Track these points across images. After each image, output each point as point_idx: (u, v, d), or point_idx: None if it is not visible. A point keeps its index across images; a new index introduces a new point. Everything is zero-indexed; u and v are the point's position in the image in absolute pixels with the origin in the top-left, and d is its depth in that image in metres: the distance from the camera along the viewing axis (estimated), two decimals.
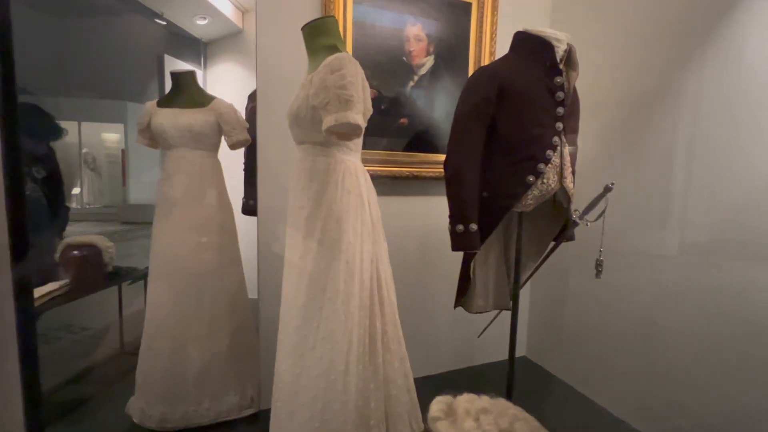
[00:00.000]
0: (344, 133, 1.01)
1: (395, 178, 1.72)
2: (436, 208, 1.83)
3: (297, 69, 1.45)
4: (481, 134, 1.22)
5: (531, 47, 1.22)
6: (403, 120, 1.73)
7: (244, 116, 1.57)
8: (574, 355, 1.90)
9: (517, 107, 1.18)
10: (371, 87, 1.63)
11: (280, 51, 1.47)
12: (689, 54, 1.40)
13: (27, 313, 0.53)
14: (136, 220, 2.03)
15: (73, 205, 1.95)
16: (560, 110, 1.20)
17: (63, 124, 1.70)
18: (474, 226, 1.21)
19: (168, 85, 1.56)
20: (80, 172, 2.05)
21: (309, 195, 1.06)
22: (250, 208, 1.59)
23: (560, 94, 1.19)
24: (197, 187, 1.45)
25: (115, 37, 2.00)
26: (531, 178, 1.19)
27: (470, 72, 1.81)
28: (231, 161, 1.61)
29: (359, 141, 1.16)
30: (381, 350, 1.10)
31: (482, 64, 1.69)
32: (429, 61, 1.75)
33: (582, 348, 1.85)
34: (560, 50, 1.18)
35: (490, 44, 1.83)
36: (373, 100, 1.65)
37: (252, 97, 1.57)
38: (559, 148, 1.21)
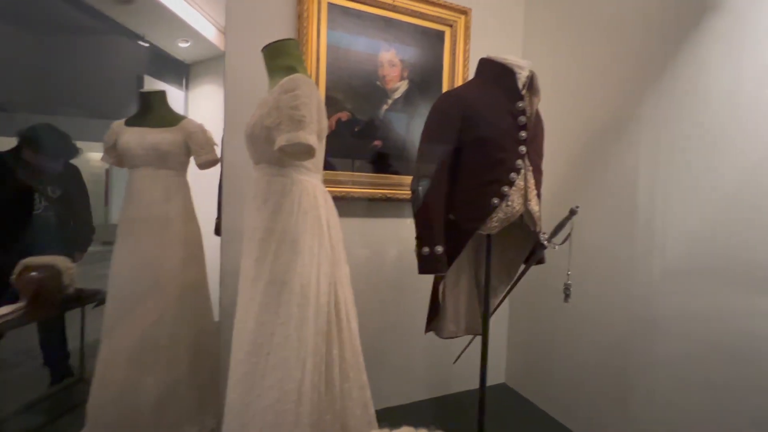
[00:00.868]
0: (297, 153, 0.99)
1: (370, 199, 1.73)
2: (410, 230, 1.79)
3: (265, 90, 1.45)
4: (447, 157, 1.23)
5: (494, 73, 1.24)
6: (377, 142, 1.74)
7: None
8: (552, 382, 1.84)
9: (481, 131, 1.20)
10: (345, 110, 1.68)
11: (249, 71, 1.48)
12: (649, 83, 1.43)
13: None
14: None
15: None
16: (523, 134, 1.21)
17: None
18: (440, 249, 1.21)
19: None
20: None
21: (264, 216, 1.03)
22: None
23: (522, 119, 1.20)
24: (161, 207, 1.42)
25: (98, 57, 2.00)
26: (495, 201, 1.19)
27: None
28: (213, 179, 1.59)
29: (318, 161, 1.14)
30: (338, 379, 1.05)
31: None
32: (403, 86, 1.77)
33: (559, 375, 1.80)
34: (522, 76, 1.21)
35: (463, 70, 1.86)
36: (346, 122, 1.68)
37: None
38: (523, 171, 1.21)
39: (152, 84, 2.05)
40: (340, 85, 1.64)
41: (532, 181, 1.23)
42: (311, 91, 0.99)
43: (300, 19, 1.55)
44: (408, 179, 1.78)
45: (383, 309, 1.82)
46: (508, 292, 1.48)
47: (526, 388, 1.99)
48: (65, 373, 1.69)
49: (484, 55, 1.28)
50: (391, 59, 1.74)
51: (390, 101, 1.75)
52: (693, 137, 1.30)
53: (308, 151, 0.98)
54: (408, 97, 1.78)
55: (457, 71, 1.85)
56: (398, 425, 0.51)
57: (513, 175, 1.19)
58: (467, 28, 1.85)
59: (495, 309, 1.50)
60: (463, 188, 1.23)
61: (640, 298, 1.46)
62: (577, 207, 1.26)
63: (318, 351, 1.02)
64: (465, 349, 1.61)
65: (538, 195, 1.28)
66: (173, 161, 1.46)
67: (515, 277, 1.45)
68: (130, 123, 1.48)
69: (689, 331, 1.30)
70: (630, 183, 1.49)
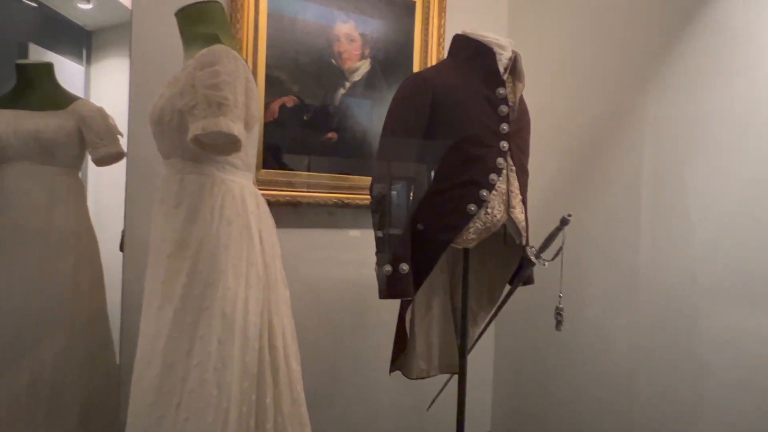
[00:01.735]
0: (217, 145, 0.98)
1: (320, 205, 1.71)
2: (371, 243, 1.80)
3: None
4: (412, 153, 1.25)
5: (470, 53, 1.26)
6: (331, 135, 1.73)
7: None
8: (546, 428, 1.85)
9: (454, 122, 1.21)
10: (291, 93, 1.65)
11: (163, 41, 1.44)
12: (652, 72, 1.50)
13: None
14: None
15: None
16: (504, 127, 1.23)
17: None
18: (405, 267, 1.20)
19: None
20: None
21: (174, 225, 1.01)
22: None
23: (503, 108, 1.22)
24: (44, 215, 1.36)
25: None
26: (472, 208, 1.20)
27: None
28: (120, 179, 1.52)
29: (249, 156, 1.13)
30: None
31: None
32: (364, 66, 1.77)
33: (556, 421, 1.82)
34: (504, 58, 1.23)
35: (438, 49, 1.89)
36: (292, 109, 1.66)
37: None
38: (505, 171, 1.23)
39: (40, 55, 1.95)
40: (285, 62, 1.62)
41: (515, 184, 1.25)
42: (237, 66, 0.97)
43: None
44: (369, 181, 1.77)
45: (336, 344, 1.80)
46: (491, 320, 1.50)
47: None
48: None
49: (460, 31, 1.30)
50: (349, 33, 1.74)
51: (348, 84, 1.74)
52: (710, 128, 1.36)
53: (232, 143, 0.97)
54: (370, 80, 1.78)
55: (431, 50, 1.87)
56: None
57: (493, 176, 1.21)
58: None
59: (475, 341, 1.52)
60: (433, 192, 1.24)
61: (646, 324, 1.50)
62: (570, 215, 1.28)
63: (245, 399, 0.99)
64: (440, 391, 1.60)
65: (524, 201, 1.30)
66: (61, 155, 1.40)
67: (499, 301, 1.46)
68: (2, 104, 1.40)
69: (701, 360, 1.35)
70: (633, 185, 1.54)
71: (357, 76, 1.76)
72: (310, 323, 1.70)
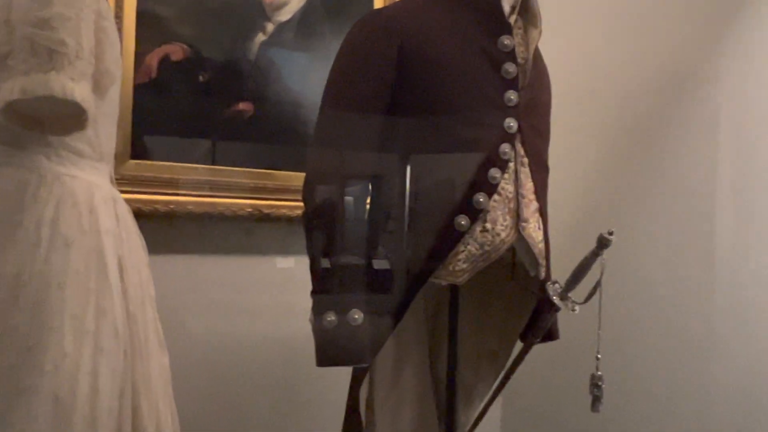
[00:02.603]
0: (48, 118, 0.98)
1: (228, 218, 1.70)
2: (308, 279, 1.79)
3: None
4: (372, 137, 1.25)
5: None
6: (244, 106, 1.73)
7: None
8: None
9: (434, 89, 1.22)
10: (179, 40, 1.63)
11: None
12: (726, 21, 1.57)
13: None
14: None
15: None
16: (511, 96, 1.23)
17: None
18: (358, 316, 1.20)
19: None
20: None
21: None
22: None
23: (510, 68, 1.23)
24: None
25: None
26: (463, 222, 1.20)
27: None
28: None
29: (103, 139, 1.12)
30: None
31: None
32: (296, 0, 1.78)
33: None
34: None
35: None
36: (181, 65, 1.64)
37: None
38: (512, 165, 1.24)
39: None
40: None
41: (528, 185, 1.26)
42: None
43: None
44: (302, 179, 1.77)
45: None
46: (494, 397, 1.49)
47: None
48: None
49: None
50: None
51: (270, 27, 1.75)
52: None
53: (72, 116, 0.96)
54: (306, 21, 1.79)
55: None
56: None
57: (494, 172, 1.21)
58: None
59: (471, 430, 1.51)
60: (403, 198, 1.26)
61: (719, 403, 1.52)
62: (611, 233, 1.27)
63: None
64: None
65: (542, 211, 1.31)
66: None
67: (506, 368, 1.47)
68: None
69: None
70: (705, 190, 1.57)
71: (285, 15, 1.77)
72: (207, 407, 1.67)
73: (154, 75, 1.60)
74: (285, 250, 1.79)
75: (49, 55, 0.91)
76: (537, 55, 1.31)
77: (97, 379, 0.99)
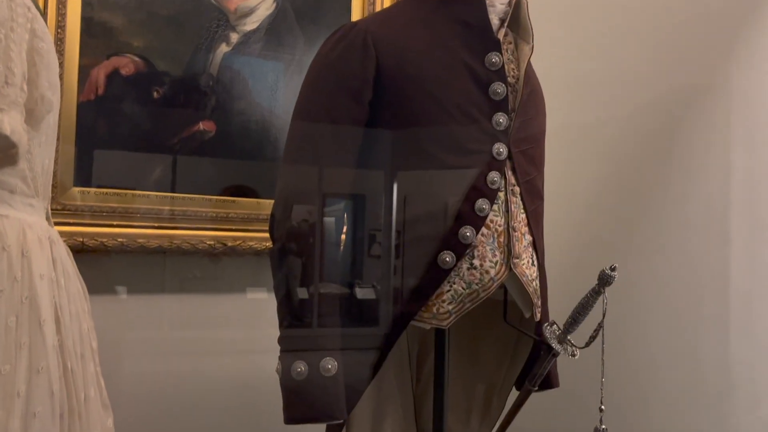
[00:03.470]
0: None
1: (183, 252, 1.70)
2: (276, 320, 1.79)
3: None
4: (344, 160, 1.26)
5: None
6: (205, 125, 1.73)
7: None
8: None
9: (413, 110, 1.23)
10: (130, 51, 1.64)
11: None
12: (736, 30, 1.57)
13: None
14: None
15: None
16: (501, 119, 1.24)
17: None
18: (331, 365, 1.19)
19: None
20: None
21: None
22: None
23: (499, 88, 1.23)
24: None
25: None
26: (448, 258, 1.20)
27: None
28: None
29: (39, 171, 1.11)
30: None
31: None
32: (265, 5, 1.80)
33: None
34: (498, 2, 1.26)
35: None
36: (133, 79, 1.64)
37: None
38: (503, 195, 1.24)
39: None
40: None
41: (521, 217, 1.27)
42: (9, 6, 0.97)
43: None
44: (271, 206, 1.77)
45: None
46: None
47: None
48: None
49: None
50: None
51: (235, 36, 1.76)
52: None
53: (2, 149, 0.97)
54: (275, 30, 1.81)
55: None
56: None
57: (482, 203, 1.21)
58: None
59: None
60: (382, 230, 1.29)
61: None
62: (614, 268, 1.28)
63: None
64: None
65: (535, 245, 1.32)
66: None
67: (499, 420, 1.46)
68: None
69: None
70: (715, 220, 1.57)
71: (251, 23, 1.78)
72: None
73: (101, 91, 1.59)
74: (252, 286, 1.80)
75: None
76: (529, 73, 1.30)
77: None
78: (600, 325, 1.30)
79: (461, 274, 1.20)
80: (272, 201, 1.73)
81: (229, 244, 1.72)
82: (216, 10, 1.71)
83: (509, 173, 1.24)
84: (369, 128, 1.24)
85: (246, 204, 1.76)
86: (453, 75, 1.22)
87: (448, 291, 1.20)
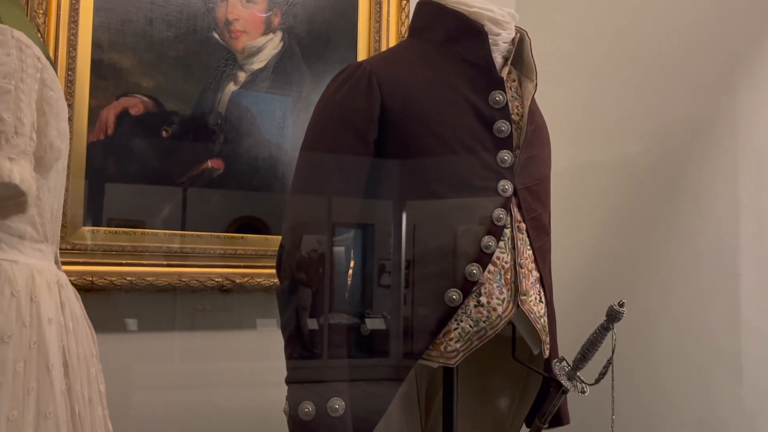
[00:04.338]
0: None
1: (192, 289, 1.69)
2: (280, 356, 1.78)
3: None
4: (352, 198, 1.25)
5: (446, 33, 1.30)
6: (213, 163, 1.73)
7: None
8: None
9: (419, 150, 1.23)
10: (140, 92, 1.65)
11: None
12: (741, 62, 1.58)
13: None
14: None
15: None
16: (506, 156, 1.24)
17: None
18: (338, 405, 1.17)
19: None
20: None
21: None
22: None
23: (503, 126, 1.24)
24: None
25: None
26: (455, 296, 1.20)
27: None
28: None
29: (47, 217, 1.11)
30: None
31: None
32: (271, 44, 1.81)
33: None
34: (501, 41, 1.27)
35: (398, 24, 1.94)
36: (142, 120, 1.65)
37: None
38: (509, 233, 1.24)
39: None
40: (129, 38, 1.63)
41: (528, 253, 1.27)
42: (20, 58, 0.98)
43: None
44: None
45: None
46: None
47: None
48: None
49: None
50: None
51: (243, 75, 1.76)
52: None
53: (11, 198, 0.96)
54: (283, 69, 1.81)
55: (386, 23, 1.93)
56: None
57: (488, 240, 1.21)
58: None
59: None
60: (389, 267, 1.27)
61: None
62: (623, 304, 1.27)
63: None
64: None
65: (543, 281, 1.31)
66: None
67: None
68: None
69: None
70: (725, 253, 1.56)
71: (259, 62, 1.78)
72: None
73: (110, 131, 1.60)
74: (265, 320, 1.79)
75: None
76: (533, 110, 1.32)
77: None
78: (609, 362, 1.28)
79: (468, 312, 1.19)
80: (279, 237, 1.76)
81: (238, 280, 1.71)
82: (224, 50, 1.73)
83: (515, 210, 1.24)
84: (374, 167, 1.24)
85: (254, 240, 1.75)
86: (457, 113, 1.23)
87: (456, 329, 1.19)
